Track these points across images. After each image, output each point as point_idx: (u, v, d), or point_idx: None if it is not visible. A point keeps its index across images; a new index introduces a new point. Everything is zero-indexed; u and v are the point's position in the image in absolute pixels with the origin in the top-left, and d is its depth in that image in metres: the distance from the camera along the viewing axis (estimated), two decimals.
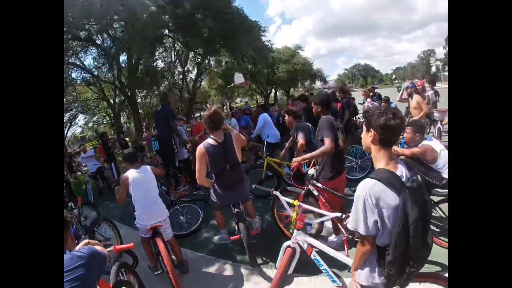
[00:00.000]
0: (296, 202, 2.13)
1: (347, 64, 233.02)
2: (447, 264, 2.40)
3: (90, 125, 24.81)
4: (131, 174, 2.83)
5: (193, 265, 3.13)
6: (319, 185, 2.79)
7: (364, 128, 1.37)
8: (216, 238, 3.27)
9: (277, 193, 2.40)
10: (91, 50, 14.25)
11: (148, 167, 3.01)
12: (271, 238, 3.20)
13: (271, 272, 2.71)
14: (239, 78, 13.09)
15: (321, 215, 2.34)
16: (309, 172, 2.82)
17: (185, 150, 5.28)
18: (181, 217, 4.03)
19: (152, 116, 6.11)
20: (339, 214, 2.17)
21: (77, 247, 1.59)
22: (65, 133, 20.65)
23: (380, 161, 1.32)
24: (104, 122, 24.84)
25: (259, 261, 2.93)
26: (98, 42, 13.18)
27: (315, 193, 2.87)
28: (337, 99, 6.29)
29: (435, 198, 2.82)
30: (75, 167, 7.60)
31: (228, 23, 11.73)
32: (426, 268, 1.52)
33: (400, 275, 1.25)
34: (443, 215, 2.75)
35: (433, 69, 55.92)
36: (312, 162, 2.96)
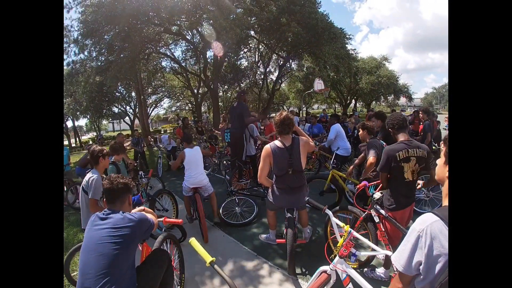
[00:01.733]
0: (347, 228, 1.92)
1: (436, 83, 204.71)
2: None
3: (173, 109, 27.86)
4: (186, 150, 3.89)
5: (234, 255, 3.27)
6: (383, 212, 2.57)
7: (443, 157, 1.17)
8: (263, 236, 3.32)
9: (329, 212, 2.19)
10: (181, 43, 15.79)
11: (199, 148, 4.02)
12: (317, 253, 3.08)
13: (305, 285, 2.63)
14: (318, 84, 12.87)
15: (371, 249, 2.10)
16: (374, 196, 2.60)
17: (253, 147, 5.48)
18: (237, 208, 4.23)
19: (228, 110, 6.56)
20: (390, 253, 1.91)
21: (133, 211, 1.84)
22: (150, 112, 23.67)
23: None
24: (186, 108, 27.61)
25: (298, 271, 2.86)
26: (188, 37, 14.45)
27: (376, 219, 2.65)
28: (420, 121, 5.65)
29: None
30: (153, 142, 8.60)
31: (313, 29, 11.54)
32: None
33: None
34: None
35: None
36: (380, 186, 2.74)
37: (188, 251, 3.19)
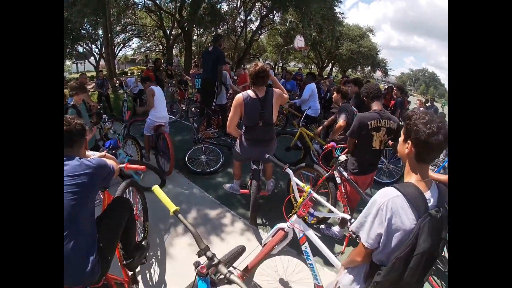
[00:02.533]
0: (307, 188, 1.91)
1: (414, 66, 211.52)
2: None
3: (142, 50, 25.53)
4: (153, 87, 3.98)
5: (198, 203, 3.29)
6: (345, 174, 2.68)
7: (402, 135, 1.19)
8: (227, 186, 3.35)
9: (290, 171, 2.15)
10: None
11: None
12: (278, 205, 3.21)
13: (264, 235, 2.75)
14: (299, 42, 12.46)
15: (329, 211, 2.15)
16: (340, 158, 2.68)
17: (224, 95, 5.27)
18: (203, 156, 4.17)
19: (201, 55, 6.12)
20: (348, 217, 2.01)
21: (93, 156, 1.66)
22: (117, 52, 21.56)
23: (411, 176, 1.15)
24: (157, 50, 25.42)
25: (259, 221, 2.98)
26: None
27: (338, 180, 2.78)
28: (392, 97, 5.84)
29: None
30: (119, 85, 7.99)
31: None
32: None
33: None
34: (446, 257, 2.54)
35: None
36: (346, 150, 2.83)
37: (152, 199, 3.14)
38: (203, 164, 4.11)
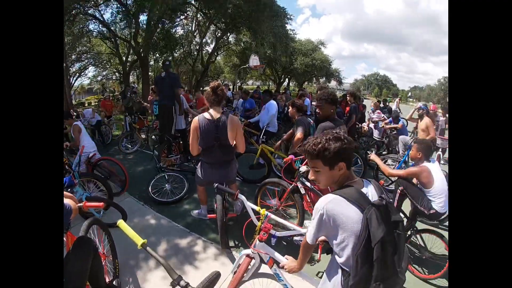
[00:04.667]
0: (263, 212, 1.93)
1: (366, 71, 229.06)
2: None
3: (99, 78, 24.62)
4: (78, 123, 4.11)
5: (167, 234, 3.16)
6: (308, 184, 2.77)
7: (326, 167, 1.20)
8: (195, 212, 3.27)
9: (243, 197, 2.15)
10: (112, 3, 13.81)
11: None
12: (249, 225, 3.21)
13: (238, 257, 2.73)
14: (254, 60, 12.91)
15: (290, 229, 2.18)
16: (300, 169, 2.78)
17: (183, 120, 5.22)
18: (167, 185, 4.04)
19: (155, 80, 6.08)
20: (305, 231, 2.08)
21: None
22: (73, 82, 20.57)
23: (343, 182, 1.25)
24: (114, 78, 24.64)
25: (231, 243, 2.94)
26: None
27: (302, 191, 2.86)
28: (347, 103, 6.23)
29: (419, 226, 2.81)
30: (75, 117, 7.60)
31: (254, 3, 11.35)
32: None
33: None
34: (422, 245, 2.73)
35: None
36: (306, 160, 2.93)
37: (119, 235, 2.93)
38: (168, 193, 3.98)
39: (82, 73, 21.95)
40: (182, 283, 1.08)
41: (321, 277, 1.81)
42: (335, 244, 1.20)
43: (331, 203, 1.15)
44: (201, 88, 13.04)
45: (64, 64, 12.89)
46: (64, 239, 1.83)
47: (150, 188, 3.95)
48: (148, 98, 9.28)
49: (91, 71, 23.19)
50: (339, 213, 1.13)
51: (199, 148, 2.73)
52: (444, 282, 2.56)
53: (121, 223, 1.25)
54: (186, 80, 19.85)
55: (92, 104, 20.21)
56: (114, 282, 1.90)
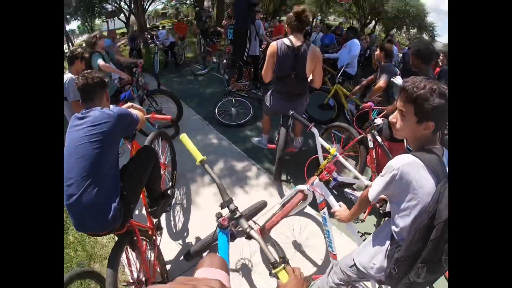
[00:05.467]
0: (332, 151, 1.79)
1: None
2: None
3: (172, 3, 24.50)
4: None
5: (225, 155, 3.36)
6: (379, 138, 2.52)
7: (414, 117, 1.03)
8: (255, 139, 3.35)
9: (315, 131, 1.99)
10: None
11: None
12: (304, 164, 3.19)
13: (288, 192, 2.74)
14: None
15: (354, 177, 2.05)
16: (376, 121, 2.52)
17: (257, 46, 5.01)
18: (232, 108, 4.16)
19: (233, 4, 5.75)
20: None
21: (118, 107, 1.67)
22: (147, 7, 20.94)
23: (424, 143, 1.07)
24: (188, 2, 24.27)
25: (283, 177, 2.99)
26: None
27: (370, 144, 2.64)
28: (437, 63, 5.18)
29: None
30: (149, 38, 7.95)
31: None
32: None
33: (400, 281, 1.08)
34: None
35: None
36: (383, 112, 2.63)
37: (181, 148, 3.23)
38: (232, 116, 4.11)
39: None
40: (231, 206, 1.09)
41: (361, 237, 1.76)
42: (397, 210, 1.10)
43: (408, 166, 1.02)
44: (277, 17, 12.07)
45: None
46: (129, 146, 2.05)
47: (216, 110, 4.12)
48: (222, 23, 9.08)
49: None
50: (414, 178, 1.01)
51: (272, 75, 2.61)
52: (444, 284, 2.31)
53: (183, 137, 1.28)
54: (263, 8, 18.50)
55: (166, 28, 20.90)
56: (168, 191, 2.09)
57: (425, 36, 27.66)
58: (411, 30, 26.99)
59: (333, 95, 4.03)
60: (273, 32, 6.71)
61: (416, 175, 1.01)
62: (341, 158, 1.87)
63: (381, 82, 2.99)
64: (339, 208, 1.64)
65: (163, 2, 24.96)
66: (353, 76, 4.76)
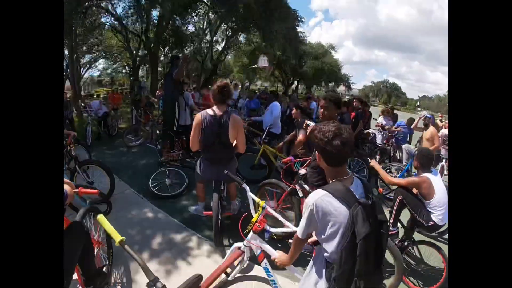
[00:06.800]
0: (262, 203, 1.93)
1: (376, 78, 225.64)
2: None
3: (109, 71, 24.94)
4: None
5: (163, 228, 3.18)
6: (306, 187, 2.75)
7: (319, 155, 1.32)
8: (192, 208, 3.28)
9: (246, 187, 2.16)
10: None
11: None
12: (245, 220, 3.19)
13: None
14: (263, 61, 12.88)
15: (284, 226, 2.16)
16: (300, 172, 2.77)
17: (188, 116, 5.24)
18: (167, 179, 4.07)
19: (164, 76, 6.15)
20: None
21: None
22: (83, 73, 20.87)
23: (333, 177, 1.30)
24: (123, 71, 24.92)
25: (226, 242, 2.94)
26: None
27: (300, 194, 2.84)
28: (353, 108, 6.17)
29: (416, 237, 2.77)
30: (83, 108, 7.75)
31: (265, 4, 11.36)
32: None
33: None
34: (419, 256, 2.68)
35: None
36: (307, 163, 2.92)
37: (116, 223, 2.93)
38: (167, 188, 4.00)
39: (93, 65, 22.22)
40: (158, 284, 1.07)
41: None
42: (322, 238, 1.24)
43: (320, 199, 1.20)
44: (209, 86, 13.09)
45: (75, 55, 13.01)
46: None
47: (150, 182, 3.98)
48: (156, 93, 9.38)
49: (101, 63, 23.49)
50: (327, 208, 1.18)
51: (199, 144, 2.74)
52: None
53: (100, 218, 1.24)
54: (195, 77, 19.92)
55: (101, 96, 20.60)
56: (103, 269, 1.91)
57: (342, 86, 32.55)
58: (329, 84, 31.55)
59: (262, 154, 4.34)
60: (203, 100, 7.12)
61: (329, 205, 1.18)
62: (270, 209, 1.99)
63: (300, 136, 3.33)
64: (278, 254, 1.69)
65: (99, 70, 24.77)
66: (278, 135, 5.24)
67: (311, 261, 1.46)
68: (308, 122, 2.62)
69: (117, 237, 1.17)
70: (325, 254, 1.26)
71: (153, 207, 3.63)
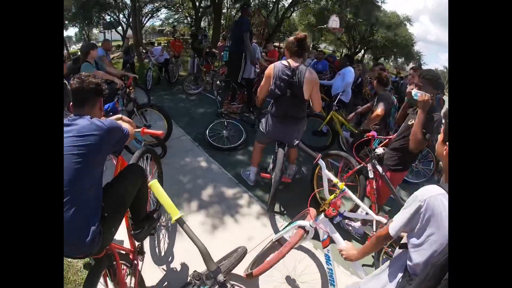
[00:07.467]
0: (341, 185, 1.70)
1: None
2: None
3: (170, 21, 25.29)
4: None
5: (214, 180, 3.14)
6: (380, 169, 2.41)
7: (441, 135, 1.07)
8: (245, 173, 3.17)
9: (322, 163, 1.86)
10: None
11: None
12: (298, 194, 3.00)
13: (280, 224, 2.62)
14: (335, 23, 11.59)
15: (362, 213, 1.95)
16: (377, 150, 2.42)
17: (252, 69, 4.97)
18: (224, 131, 4.00)
19: (230, 28, 5.86)
20: (384, 220, 1.78)
21: (109, 119, 1.51)
22: (144, 23, 21.49)
23: None
24: (185, 22, 25.09)
25: (276, 208, 2.79)
26: None
27: (370, 174, 2.52)
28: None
29: None
30: (144, 53, 7.96)
31: None
32: None
33: None
34: None
35: None
36: (385, 142, 2.57)
37: (169, 168, 2.99)
38: (224, 139, 3.94)
39: (154, 14, 22.68)
40: (219, 277, 0.91)
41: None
42: (414, 244, 1.05)
43: (436, 198, 0.98)
44: (272, 42, 12.50)
45: (137, 4, 13.23)
46: (114, 162, 1.85)
47: (207, 131, 3.94)
48: (217, 45, 9.21)
49: (163, 13, 23.84)
50: (438, 211, 0.96)
51: (266, 96, 2.58)
52: None
53: (154, 184, 1.08)
54: (257, 32, 19.27)
55: (162, 44, 21.42)
56: (154, 214, 1.88)
57: (412, 64, 29.42)
58: (398, 58, 28.72)
59: (328, 122, 3.96)
60: (267, 56, 6.80)
61: (441, 207, 0.96)
62: (350, 193, 1.74)
63: (379, 110, 2.98)
64: (346, 246, 1.50)
65: (161, 19, 25.54)
66: (346, 104, 4.76)
67: (387, 262, 1.28)
68: (415, 90, 2.15)
69: (174, 213, 1.02)
70: (409, 262, 1.07)
71: (207, 157, 3.61)
